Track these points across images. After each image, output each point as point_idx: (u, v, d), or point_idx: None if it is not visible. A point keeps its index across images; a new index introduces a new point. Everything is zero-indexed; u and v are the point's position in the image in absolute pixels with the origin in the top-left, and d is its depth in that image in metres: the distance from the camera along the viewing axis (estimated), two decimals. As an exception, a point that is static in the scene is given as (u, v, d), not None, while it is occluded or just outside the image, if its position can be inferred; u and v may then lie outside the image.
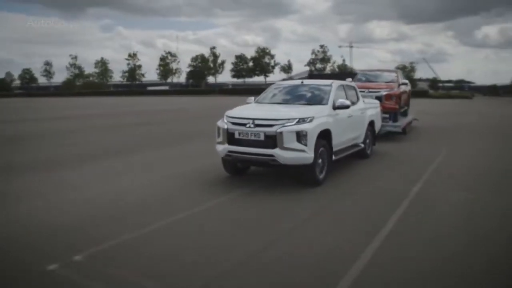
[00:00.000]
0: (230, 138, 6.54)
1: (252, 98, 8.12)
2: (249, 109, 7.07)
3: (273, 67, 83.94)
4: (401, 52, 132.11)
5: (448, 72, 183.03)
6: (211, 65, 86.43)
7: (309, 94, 7.68)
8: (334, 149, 7.08)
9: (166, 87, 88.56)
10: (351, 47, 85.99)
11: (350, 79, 9.79)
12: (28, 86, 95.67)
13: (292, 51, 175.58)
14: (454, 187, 6.62)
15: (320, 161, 6.57)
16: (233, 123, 6.57)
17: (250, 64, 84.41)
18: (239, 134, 6.45)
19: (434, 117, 20.26)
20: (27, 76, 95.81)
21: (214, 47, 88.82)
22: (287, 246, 4.23)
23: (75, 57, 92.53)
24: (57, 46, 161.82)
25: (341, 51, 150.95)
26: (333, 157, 7.02)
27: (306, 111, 6.66)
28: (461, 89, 73.38)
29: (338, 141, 7.22)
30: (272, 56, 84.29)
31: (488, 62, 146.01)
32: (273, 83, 9.04)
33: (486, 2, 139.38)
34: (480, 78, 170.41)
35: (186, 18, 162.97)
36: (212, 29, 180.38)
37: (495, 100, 48.71)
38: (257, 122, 6.34)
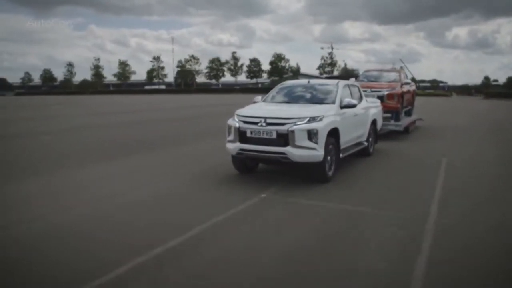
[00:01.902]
0: (242, 136, 6.25)
1: (259, 97, 7.81)
2: (260, 108, 6.77)
3: (287, 70, 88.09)
4: (375, 52, 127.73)
5: (421, 72, 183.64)
6: (232, 67, 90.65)
7: (316, 94, 7.38)
8: (342, 147, 6.83)
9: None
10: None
11: (353, 79, 9.47)
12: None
13: (267, 50, 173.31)
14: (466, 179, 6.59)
15: (329, 158, 6.31)
16: (245, 122, 6.29)
17: (268, 67, 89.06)
18: (251, 132, 6.16)
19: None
20: (47, 76, 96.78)
21: (235, 52, 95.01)
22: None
23: (98, 59, 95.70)
24: (26, 45, 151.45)
25: (345, 54, 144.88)
26: (341, 155, 6.77)
27: (315, 110, 6.41)
28: (440, 88, 73.58)
29: (345, 139, 6.97)
30: (287, 61, 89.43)
31: (458, 62, 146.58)
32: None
33: (456, 5, 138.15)
34: (451, 78, 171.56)
35: (158, 17, 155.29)
36: (186, 28, 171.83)
37: (471, 98, 49.47)
38: (269, 120, 6.07)
